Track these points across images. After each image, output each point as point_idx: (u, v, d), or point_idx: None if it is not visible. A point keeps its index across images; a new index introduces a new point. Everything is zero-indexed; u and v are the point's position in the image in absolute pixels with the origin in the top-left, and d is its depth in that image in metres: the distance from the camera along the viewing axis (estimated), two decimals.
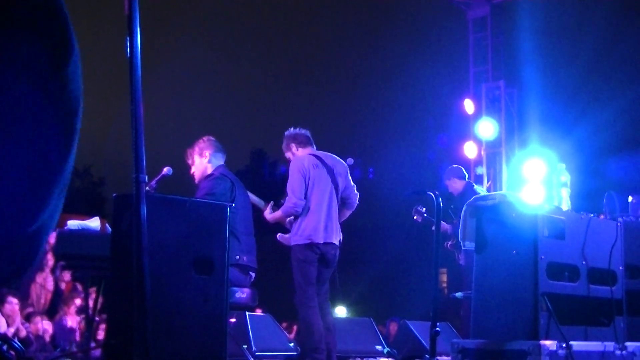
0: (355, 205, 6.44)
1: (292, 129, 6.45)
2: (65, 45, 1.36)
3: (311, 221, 6.05)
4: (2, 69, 1.27)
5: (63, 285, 9.39)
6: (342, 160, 6.40)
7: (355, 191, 6.41)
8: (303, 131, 6.43)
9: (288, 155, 6.40)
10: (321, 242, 6.03)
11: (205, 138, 6.10)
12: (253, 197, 6.45)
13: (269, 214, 6.42)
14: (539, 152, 5.77)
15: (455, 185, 8.83)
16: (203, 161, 6.02)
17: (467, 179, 9.07)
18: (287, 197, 6.11)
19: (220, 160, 6.05)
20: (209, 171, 5.96)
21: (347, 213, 6.43)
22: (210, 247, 4.39)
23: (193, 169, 6.08)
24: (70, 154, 1.40)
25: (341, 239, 6.31)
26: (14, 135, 1.29)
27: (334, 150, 6.50)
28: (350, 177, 6.43)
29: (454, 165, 9.22)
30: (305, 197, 6.06)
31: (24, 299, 8.84)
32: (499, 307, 4.72)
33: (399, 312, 15.54)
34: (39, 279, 9.11)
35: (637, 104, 15.83)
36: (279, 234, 6.33)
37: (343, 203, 6.34)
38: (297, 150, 6.33)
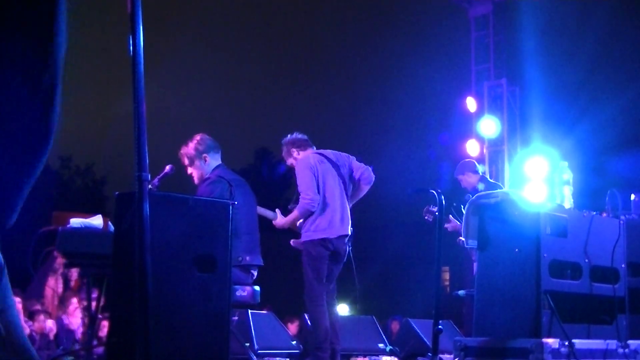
0: (372, 178, 6.42)
1: (289, 135, 6.47)
2: (50, 38, 1.53)
3: (326, 216, 6.06)
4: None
5: (72, 284, 9.38)
6: (343, 153, 6.41)
7: (365, 165, 6.41)
8: (300, 135, 6.46)
9: (290, 161, 6.41)
10: (335, 236, 6.04)
11: (199, 137, 5.99)
12: (262, 210, 6.43)
13: (281, 221, 6.38)
14: (541, 150, 5.77)
15: (470, 180, 8.63)
16: (201, 163, 5.96)
17: (480, 174, 8.94)
18: (300, 197, 6.09)
19: (217, 160, 6.00)
20: (207, 173, 5.91)
21: (366, 188, 6.45)
22: (212, 245, 4.38)
23: (190, 170, 6.02)
24: (49, 145, 1.55)
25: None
26: (5, 124, 1.42)
27: (336, 148, 6.51)
28: (353, 160, 6.41)
29: (466, 160, 9.08)
30: (318, 193, 6.07)
31: (37, 300, 8.85)
32: (501, 305, 4.72)
33: (401, 310, 15.56)
34: (51, 281, 9.12)
35: (639, 101, 15.82)
36: (292, 240, 6.31)
37: (359, 181, 6.36)
38: (299, 154, 6.36)
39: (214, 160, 5.97)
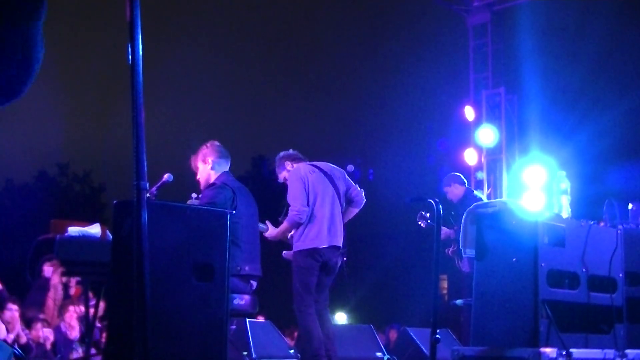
0: (363, 201, 6.44)
1: (282, 152, 6.53)
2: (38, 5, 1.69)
3: (315, 226, 6.05)
4: None
5: (73, 291, 9.35)
6: (337, 167, 6.43)
7: (359, 188, 6.43)
8: (294, 151, 6.52)
9: (283, 174, 6.43)
10: (325, 246, 6.03)
11: (208, 144, 6.05)
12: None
13: (272, 232, 6.39)
14: (539, 159, 5.77)
15: (456, 192, 8.81)
16: (206, 168, 5.98)
17: (467, 185, 9.06)
18: (289, 207, 6.10)
19: (224, 167, 6.01)
20: (213, 178, 5.93)
21: (355, 211, 6.46)
22: (210, 253, 4.38)
23: (198, 176, 6.06)
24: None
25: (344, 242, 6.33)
26: None
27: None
28: (349, 178, 6.45)
29: (453, 173, 9.21)
30: (307, 204, 6.07)
31: (38, 309, 8.81)
32: (499, 314, 4.72)
33: (399, 318, 15.54)
34: (51, 292, 9.08)
35: (637, 111, 15.85)
36: (284, 252, 6.33)
37: (350, 202, 6.38)
38: (292, 167, 6.39)
39: (219, 167, 5.98)
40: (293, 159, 6.43)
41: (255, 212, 6.03)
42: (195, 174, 6.09)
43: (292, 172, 6.26)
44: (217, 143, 6.06)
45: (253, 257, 5.78)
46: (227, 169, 6.04)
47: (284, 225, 6.20)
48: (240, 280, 5.63)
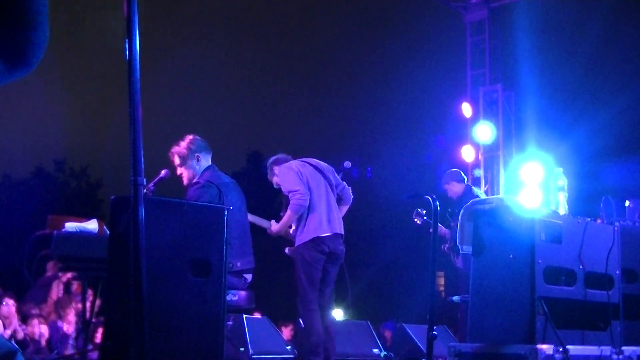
0: (351, 198, 6.47)
1: (272, 157, 6.57)
2: None
3: (314, 217, 6.06)
4: None
5: (75, 287, 9.36)
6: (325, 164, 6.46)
7: (347, 185, 6.46)
8: (283, 154, 6.53)
9: (275, 180, 6.42)
10: (328, 234, 6.04)
11: (191, 138, 5.93)
12: (257, 219, 6.48)
13: (275, 227, 6.38)
14: (536, 156, 5.78)
15: (455, 189, 8.82)
16: (194, 164, 5.91)
17: (466, 182, 9.06)
18: (290, 195, 6.07)
19: (208, 161, 5.97)
20: (197, 175, 5.88)
21: (345, 208, 6.48)
22: (207, 249, 4.38)
23: (180, 171, 5.95)
24: None
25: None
26: None
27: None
28: (337, 176, 6.47)
29: (453, 169, 9.20)
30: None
31: (36, 305, 8.81)
32: (495, 310, 4.72)
33: (396, 315, 15.54)
34: (54, 292, 9.08)
35: (633, 108, 15.88)
36: (287, 248, 6.32)
37: (339, 199, 6.39)
38: None
39: (204, 161, 5.93)
40: (281, 163, 6.41)
41: (244, 205, 5.98)
42: (174, 167, 5.99)
43: (283, 167, 6.25)
44: (198, 137, 5.99)
45: (244, 252, 5.76)
46: (210, 162, 5.98)
47: (288, 213, 6.15)
48: (233, 277, 5.61)
